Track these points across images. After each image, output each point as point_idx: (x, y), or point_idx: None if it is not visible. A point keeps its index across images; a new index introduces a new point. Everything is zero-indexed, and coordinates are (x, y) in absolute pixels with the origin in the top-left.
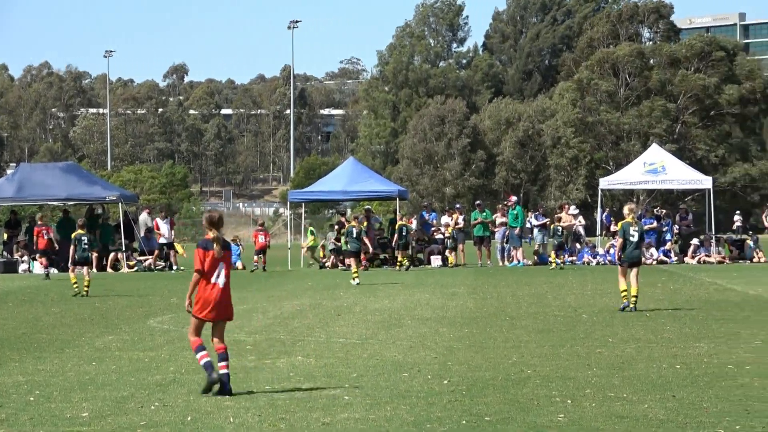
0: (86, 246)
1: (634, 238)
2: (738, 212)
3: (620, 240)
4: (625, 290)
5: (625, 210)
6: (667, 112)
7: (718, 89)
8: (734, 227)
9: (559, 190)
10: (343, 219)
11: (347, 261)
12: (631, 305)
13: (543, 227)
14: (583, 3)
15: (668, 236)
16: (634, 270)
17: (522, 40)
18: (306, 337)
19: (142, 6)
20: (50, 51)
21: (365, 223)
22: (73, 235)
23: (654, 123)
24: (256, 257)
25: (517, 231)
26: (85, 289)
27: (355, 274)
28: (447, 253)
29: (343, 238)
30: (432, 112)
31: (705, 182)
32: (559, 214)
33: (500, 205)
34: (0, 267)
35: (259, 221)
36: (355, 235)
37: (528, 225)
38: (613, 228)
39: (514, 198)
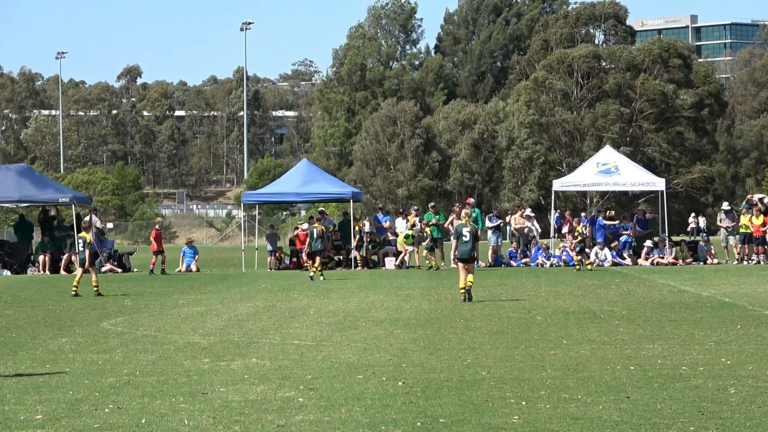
0: (82, 248)
1: (467, 238)
2: (693, 214)
3: (454, 240)
4: (464, 288)
5: (462, 213)
6: (621, 115)
7: (674, 94)
8: (689, 228)
9: (512, 191)
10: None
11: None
12: (467, 292)
13: (497, 229)
14: (530, 3)
15: (624, 238)
16: (468, 266)
17: (474, 42)
18: (260, 339)
19: (95, 7)
20: (2, 52)
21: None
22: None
23: (608, 125)
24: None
25: (478, 233)
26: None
27: (319, 272)
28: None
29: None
30: (384, 114)
31: (658, 184)
32: (514, 215)
33: (455, 207)
34: None
35: (157, 219)
36: (316, 236)
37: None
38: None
39: (472, 200)
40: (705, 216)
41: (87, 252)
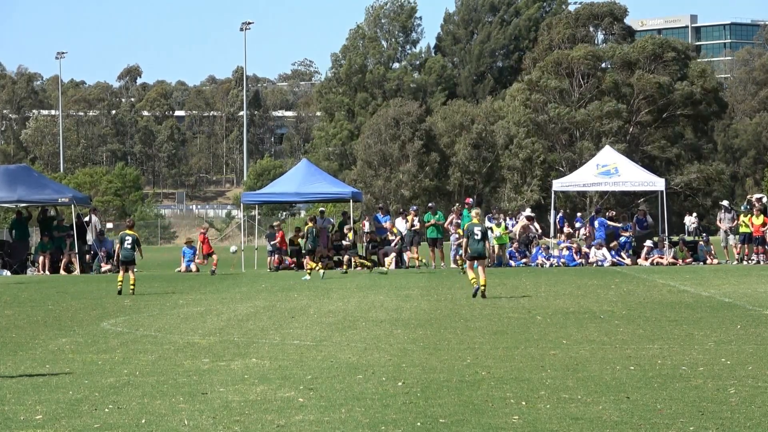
0: (129, 246)
1: (478, 237)
2: (695, 214)
3: (465, 240)
4: (474, 277)
5: (473, 213)
6: (618, 112)
7: (671, 89)
8: (691, 228)
9: (513, 191)
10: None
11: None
12: (481, 292)
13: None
14: (530, 3)
15: (623, 239)
16: (480, 263)
17: (473, 42)
18: (260, 339)
19: (95, 7)
20: (2, 52)
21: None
22: (119, 234)
23: (606, 122)
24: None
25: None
26: (132, 287)
27: (319, 269)
28: (405, 254)
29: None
30: (389, 114)
31: (658, 184)
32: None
33: (454, 207)
34: None
35: (204, 225)
36: (315, 235)
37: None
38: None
39: (471, 200)
40: (696, 216)
41: (139, 251)
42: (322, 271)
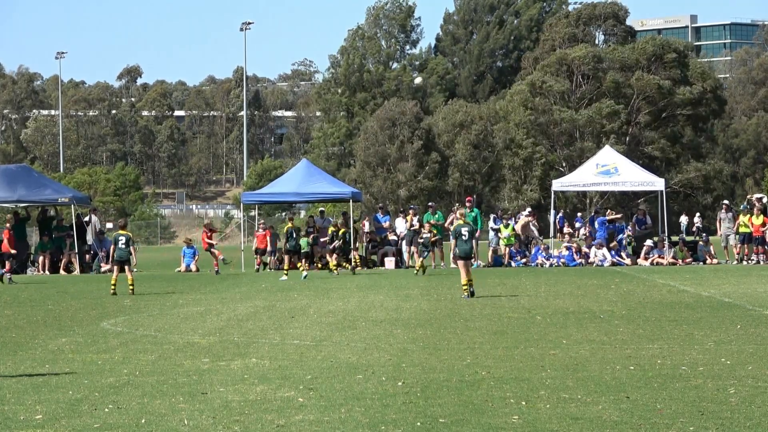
0: (123, 246)
1: (466, 237)
2: (698, 214)
3: (454, 240)
4: (466, 284)
5: (458, 214)
6: (617, 114)
7: (671, 91)
8: (693, 228)
9: (513, 191)
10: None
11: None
12: (470, 291)
13: (499, 230)
14: (531, 4)
15: (620, 237)
16: (467, 262)
17: (472, 42)
18: (260, 338)
19: (95, 7)
20: (2, 52)
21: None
22: (113, 235)
23: (606, 122)
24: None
25: (477, 233)
26: (130, 287)
27: (285, 273)
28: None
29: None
30: (384, 114)
31: (658, 184)
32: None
33: (455, 207)
34: None
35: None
36: (295, 235)
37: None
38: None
39: (471, 199)
40: (700, 215)
41: (132, 250)
42: (284, 276)
